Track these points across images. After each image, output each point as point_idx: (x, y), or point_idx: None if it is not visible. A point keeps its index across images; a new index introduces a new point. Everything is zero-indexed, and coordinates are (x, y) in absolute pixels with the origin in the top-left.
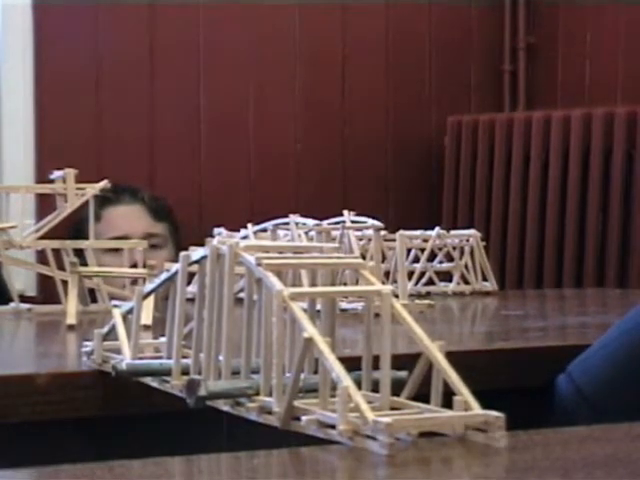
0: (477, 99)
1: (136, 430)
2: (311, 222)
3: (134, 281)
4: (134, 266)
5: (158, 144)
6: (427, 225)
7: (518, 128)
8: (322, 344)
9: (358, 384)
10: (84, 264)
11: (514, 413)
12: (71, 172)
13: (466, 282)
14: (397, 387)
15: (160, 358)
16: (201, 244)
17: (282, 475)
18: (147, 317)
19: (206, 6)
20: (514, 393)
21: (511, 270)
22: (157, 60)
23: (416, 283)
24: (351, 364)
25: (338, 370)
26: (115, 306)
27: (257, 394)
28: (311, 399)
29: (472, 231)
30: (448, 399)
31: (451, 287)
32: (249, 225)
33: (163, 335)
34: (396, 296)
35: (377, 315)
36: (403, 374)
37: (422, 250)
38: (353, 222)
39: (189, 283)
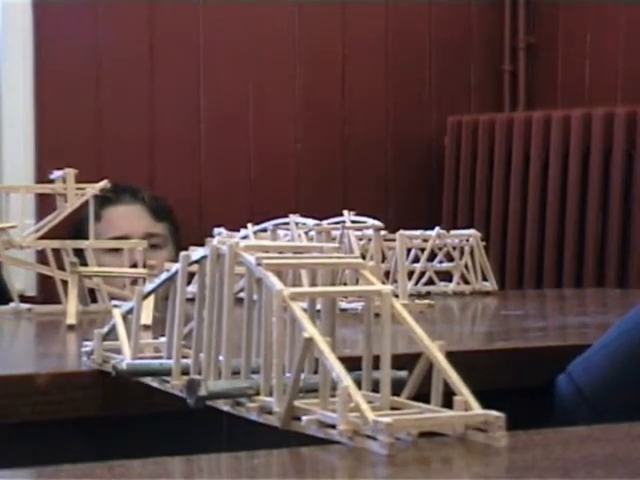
0: (477, 99)
1: (136, 430)
2: (311, 222)
3: (134, 281)
4: (134, 266)
5: (158, 144)
6: (427, 225)
7: (518, 128)
8: (322, 344)
9: (358, 384)
10: (84, 264)
11: (514, 413)
12: (71, 172)
13: (466, 282)
14: (397, 387)
15: (160, 358)
16: (201, 244)
17: (282, 475)
18: (147, 317)
19: (206, 5)
20: (514, 393)
21: (511, 270)
22: (157, 59)
23: (416, 283)
24: (351, 364)
25: (338, 370)
26: (115, 306)
27: (257, 394)
28: (311, 399)
29: (472, 231)
30: (448, 399)
31: (451, 287)
32: (249, 225)
33: (163, 335)
34: (396, 296)
35: (377, 315)
36: (403, 374)
37: (422, 250)
38: (353, 222)
39: (189, 283)
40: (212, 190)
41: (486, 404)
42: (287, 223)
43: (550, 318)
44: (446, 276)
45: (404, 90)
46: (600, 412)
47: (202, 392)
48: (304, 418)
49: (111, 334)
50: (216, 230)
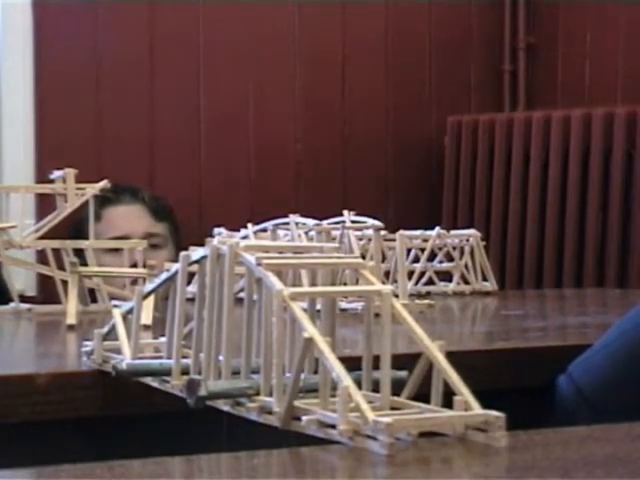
0: (477, 99)
1: (136, 430)
2: (311, 222)
3: (134, 281)
4: (134, 266)
5: (158, 144)
6: (427, 225)
7: (518, 128)
8: (322, 344)
9: (358, 384)
10: (84, 264)
11: (514, 413)
12: (71, 172)
13: (466, 282)
14: (397, 387)
15: (160, 358)
16: (201, 244)
17: (282, 475)
18: (147, 317)
19: (206, 6)
20: (514, 393)
21: (511, 270)
22: (157, 59)
23: (416, 283)
24: (351, 364)
25: (338, 370)
26: (115, 306)
27: (257, 394)
28: (311, 399)
29: (472, 231)
30: (448, 399)
31: (451, 287)
32: (249, 225)
33: (163, 335)
34: (396, 296)
35: (377, 315)
36: (403, 374)
37: (422, 250)
38: (353, 222)
39: (189, 283)
40: (212, 190)
41: (486, 404)
42: (287, 223)
43: (550, 318)
44: (446, 276)
45: (404, 90)
46: (600, 412)
47: (202, 392)
48: (304, 418)
49: (111, 334)
50: (216, 230)
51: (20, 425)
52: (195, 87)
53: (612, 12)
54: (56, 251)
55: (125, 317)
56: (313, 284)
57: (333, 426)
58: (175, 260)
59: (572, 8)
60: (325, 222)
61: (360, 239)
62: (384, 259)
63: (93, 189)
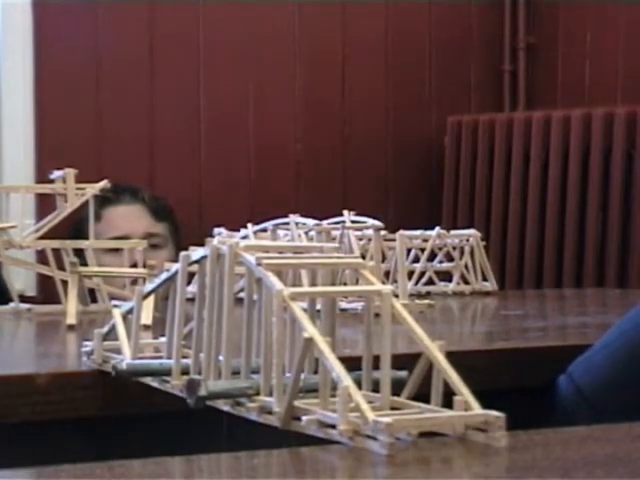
0: (477, 99)
1: (136, 430)
2: (311, 222)
3: (134, 281)
4: (134, 266)
5: (158, 144)
6: (427, 225)
7: (518, 128)
8: (322, 344)
9: (358, 384)
10: (84, 264)
11: (514, 413)
12: (71, 172)
13: (466, 282)
14: (397, 387)
15: (160, 358)
16: (201, 244)
17: (282, 475)
18: (147, 317)
19: (206, 6)
20: (514, 393)
21: (511, 270)
22: (157, 59)
23: (416, 283)
24: (351, 364)
25: (338, 370)
26: (115, 306)
27: (257, 394)
28: (311, 399)
29: (472, 231)
30: (448, 399)
31: (451, 287)
32: (249, 225)
33: (163, 335)
34: (396, 296)
35: (377, 315)
36: (403, 374)
37: (422, 250)
38: (353, 222)
39: (189, 283)
40: (212, 190)
41: (486, 404)
42: (287, 223)
43: (550, 318)
44: (446, 276)
45: (404, 90)
46: (600, 412)
47: (202, 392)
48: (304, 418)
49: (111, 334)
50: (216, 230)
51: (20, 425)
52: (195, 87)
53: (612, 12)
54: (56, 251)
55: (125, 317)
56: (313, 284)
57: (333, 426)
58: (175, 260)
59: (572, 8)
60: (325, 222)
61: (360, 239)
62: (384, 259)
63: (93, 189)
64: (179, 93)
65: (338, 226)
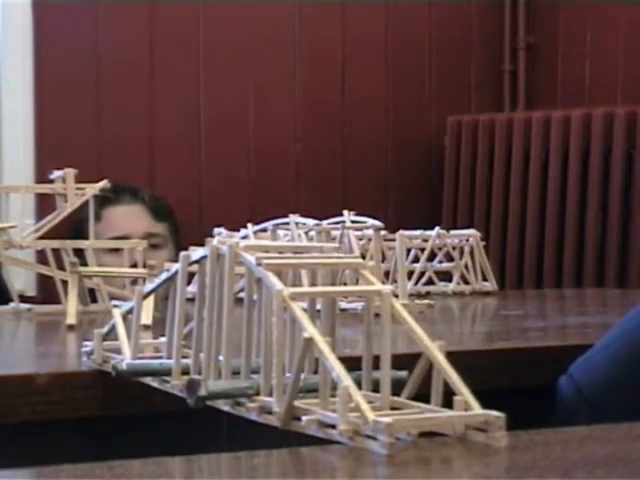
0: (477, 99)
1: (136, 430)
2: (311, 222)
3: (134, 281)
4: (134, 266)
5: (158, 144)
6: (427, 225)
7: (518, 128)
8: (322, 344)
9: (358, 384)
10: (84, 264)
11: (514, 413)
12: (71, 172)
13: (466, 282)
14: (397, 387)
15: (160, 358)
16: (201, 244)
17: (282, 475)
18: (147, 317)
19: (206, 5)
20: (514, 393)
21: (511, 270)
22: (157, 59)
23: (416, 283)
24: (351, 364)
25: (338, 370)
26: (115, 306)
27: (257, 394)
28: (311, 399)
29: (472, 231)
30: (448, 399)
31: (451, 287)
32: (249, 225)
33: (163, 335)
34: (396, 296)
35: (377, 315)
36: (403, 374)
37: (422, 250)
38: (353, 222)
39: (189, 283)
40: (212, 190)
41: (486, 404)
42: (287, 223)
43: (550, 318)
44: (446, 276)
45: (404, 90)
46: (601, 412)
47: (202, 392)
48: (304, 418)
49: (111, 334)
50: (216, 230)
51: (20, 425)
52: (195, 87)
53: (612, 12)
54: (56, 251)
55: (125, 317)
56: (313, 284)
57: (333, 426)
58: (175, 260)
59: (572, 8)
60: (325, 222)
61: (360, 239)
62: (384, 259)
63: (93, 189)
64: (179, 93)
65: (338, 226)
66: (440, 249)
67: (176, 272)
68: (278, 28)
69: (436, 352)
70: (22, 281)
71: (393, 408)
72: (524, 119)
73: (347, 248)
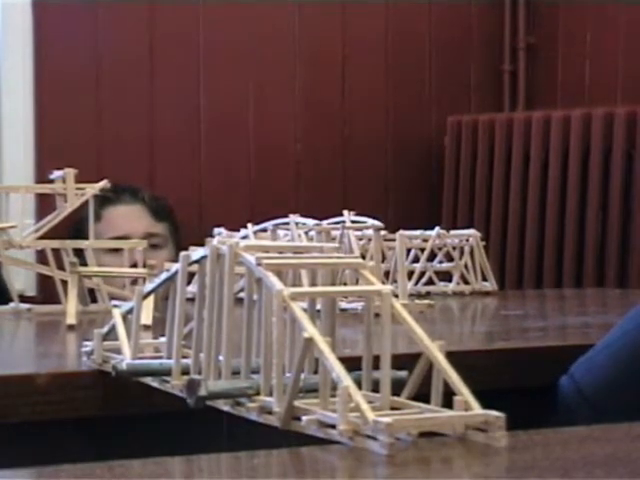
0: (477, 99)
1: (136, 430)
2: (311, 222)
3: (134, 281)
4: (134, 266)
5: (158, 144)
6: (427, 225)
7: (518, 128)
8: (322, 344)
9: (358, 384)
10: (84, 264)
11: (514, 413)
12: (71, 172)
13: (466, 282)
14: (397, 387)
15: (160, 358)
16: (201, 244)
17: (282, 475)
18: (147, 317)
19: (206, 6)
20: (514, 393)
21: (511, 270)
22: (157, 59)
23: (416, 283)
24: (351, 364)
25: (338, 370)
26: (115, 306)
27: (257, 394)
28: (311, 399)
29: (472, 231)
30: (448, 399)
31: (451, 287)
32: (249, 225)
33: (163, 335)
34: (396, 296)
35: (377, 315)
36: (403, 374)
37: (422, 250)
38: (353, 222)
39: (189, 283)
40: (212, 190)
41: (486, 404)
42: (287, 223)
43: (550, 318)
44: (446, 276)
45: (404, 90)
46: (601, 412)
47: (202, 392)
48: (304, 418)
49: (111, 334)
50: (216, 230)
51: (20, 425)
52: (195, 87)
53: (612, 12)
54: (56, 251)
55: (125, 317)
56: (313, 284)
57: (333, 426)
58: (175, 260)
59: (572, 8)
60: (325, 222)
61: (360, 239)
62: (384, 259)
63: (93, 189)
64: (179, 93)
65: (338, 226)
66: (440, 249)
67: (176, 272)
68: (278, 28)
69: (436, 352)
70: (22, 281)
71: (393, 408)
72: (524, 119)
73: (347, 248)
